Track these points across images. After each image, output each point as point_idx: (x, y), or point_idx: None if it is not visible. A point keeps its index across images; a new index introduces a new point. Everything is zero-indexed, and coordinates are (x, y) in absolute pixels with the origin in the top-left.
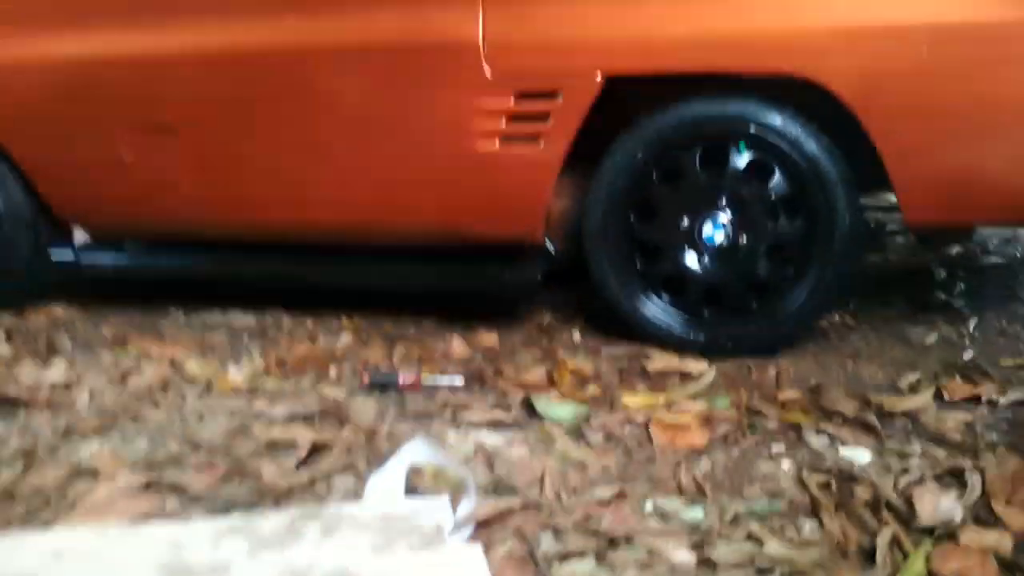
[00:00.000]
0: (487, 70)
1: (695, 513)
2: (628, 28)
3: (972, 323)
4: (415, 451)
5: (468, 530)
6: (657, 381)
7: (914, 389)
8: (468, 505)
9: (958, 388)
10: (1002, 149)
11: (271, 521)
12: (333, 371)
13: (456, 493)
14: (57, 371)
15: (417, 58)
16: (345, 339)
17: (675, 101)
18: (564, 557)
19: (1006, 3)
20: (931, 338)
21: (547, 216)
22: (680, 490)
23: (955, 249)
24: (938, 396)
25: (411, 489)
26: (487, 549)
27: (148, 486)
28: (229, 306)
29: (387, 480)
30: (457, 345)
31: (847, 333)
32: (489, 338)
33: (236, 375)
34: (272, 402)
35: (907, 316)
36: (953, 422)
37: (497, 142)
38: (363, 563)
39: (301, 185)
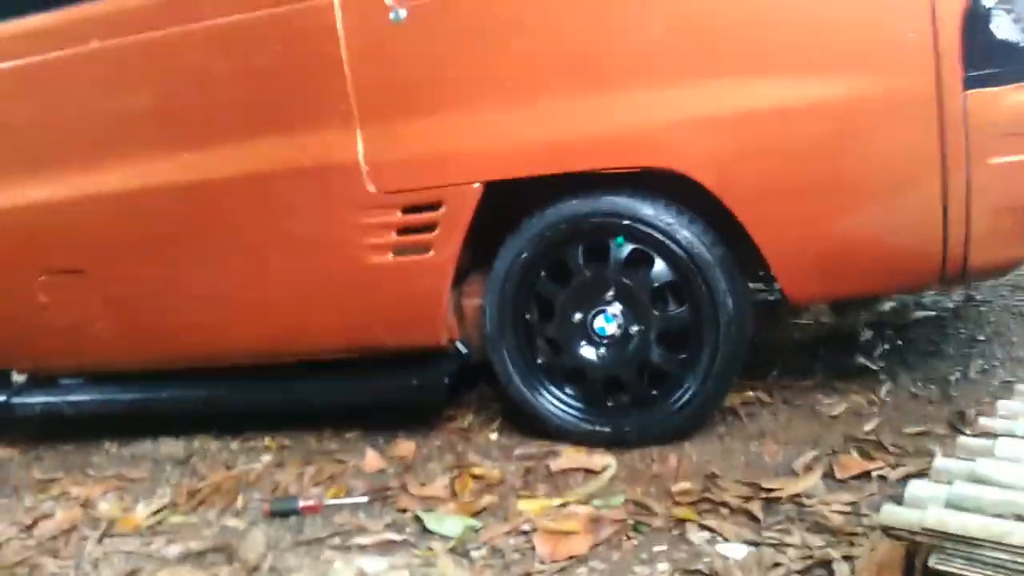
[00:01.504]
0: (371, 188)
1: None
2: (498, 137)
3: (885, 388)
4: None
5: None
6: (560, 481)
7: (809, 468)
8: None
9: (851, 464)
10: (867, 221)
11: None
12: (241, 500)
13: None
14: None
15: (304, 182)
16: (264, 460)
17: (554, 201)
18: None
19: (850, 81)
20: (839, 409)
21: (459, 317)
22: None
23: (888, 305)
24: (830, 474)
25: None
26: None
27: None
28: (161, 433)
29: None
30: (371, 458)
31: (758, 410)
32: (406, 447)
33: (143, 512)
34: (170, 540)
35: (822, 385)
36: (838, 504)
37: (389, 254)
38: None
39: (206, 314)
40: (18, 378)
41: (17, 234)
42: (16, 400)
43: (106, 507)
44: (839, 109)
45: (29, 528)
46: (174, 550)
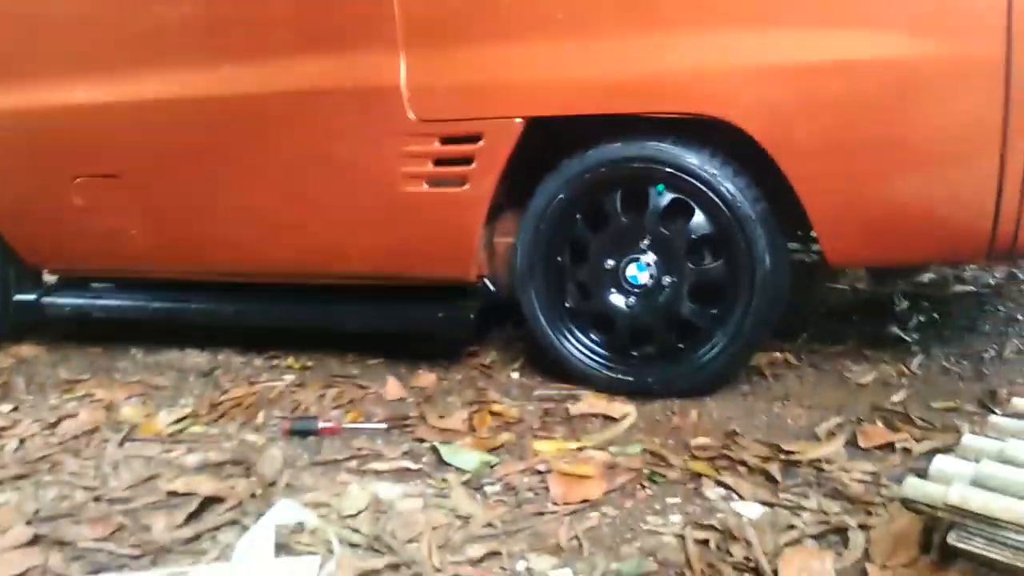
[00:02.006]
0: (411, 115)
1: (563, 573)
2: (545, 72)
3: (916, 361)
4: (283, 512)
5: None
6: (578, 425)
7: (832, 434)
8: (330, 567)
9: (875, 434)
10: (918, 186)
11: None
12: (261, 416)
13: (329, 552)
14: None
15: (345, 103)
16: (286, 379)
17: (595, 143)
18: None
19: (915, 39)
20: (868, 377)
21: (490, 254)
22: (559, 548)
23: (927, 276)
24: (853, 442)
25: (287, 548)
26: None
27: (36, 540)
28: (187, 345)
29: (256, 540)
30: (392, 387)
31: (785, 372)
32: (427, 379)
33: (165, 419)
34: (190, 449)
35: (852, 352)
36: (858, 473)
37: (424, 184)
38: None
39: (237, 228)
40: (50, 279)
41: (57, 134)
42: (47, 300)
43: (129, 412)
44: (902, 68)
45: (53, 426)
46: (193, 459)
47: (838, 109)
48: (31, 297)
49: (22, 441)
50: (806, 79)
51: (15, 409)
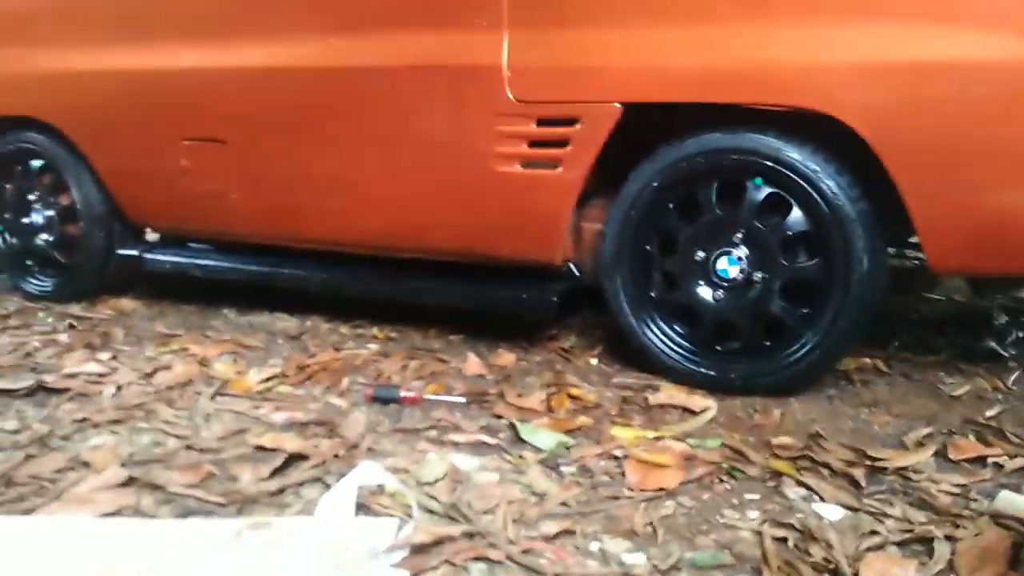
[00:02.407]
0: (510, 95)
1: (636, 558)
2: (646, 58)
3: (1013, 376)
4: (366, 473)
5: (402, 554)
6: (656, 415)
7: (921, 444)
8: (408, 530)
9: (966, 447)
10: None
11: (220, 528)
12: (346, 381)
13: (407, 516)
14: (97, 363)
15: (444, 80)
16: (370, 348)
17: (694, 132)
18: None
19: None
20: (961, 390)
21: (577, 239)
22: (633, 532)
23: None
24: (943, 454)
25: (366, 509)
26: (416, 574)
27: (130, 482)
28: (277, 309)
29: (338, 499)
30: (472, 363)
31: (874, 379)
32: (507, 358)
33: (254, 377)
34: (277, 408)
35: (945, 364)
36: (947, 484)
37: (517, 165)
38: None
39: (331, 198)
40: (151, 236)
41: (169, 96)
42: (148, 256)
43: (221, 368)
44: (1019, 72)
45: (148, 376)
46: (280, 417)
47: (951, 110)
48: (133, 253)
49: (119, 388)
50: (919, 78)
51: (114, 358)
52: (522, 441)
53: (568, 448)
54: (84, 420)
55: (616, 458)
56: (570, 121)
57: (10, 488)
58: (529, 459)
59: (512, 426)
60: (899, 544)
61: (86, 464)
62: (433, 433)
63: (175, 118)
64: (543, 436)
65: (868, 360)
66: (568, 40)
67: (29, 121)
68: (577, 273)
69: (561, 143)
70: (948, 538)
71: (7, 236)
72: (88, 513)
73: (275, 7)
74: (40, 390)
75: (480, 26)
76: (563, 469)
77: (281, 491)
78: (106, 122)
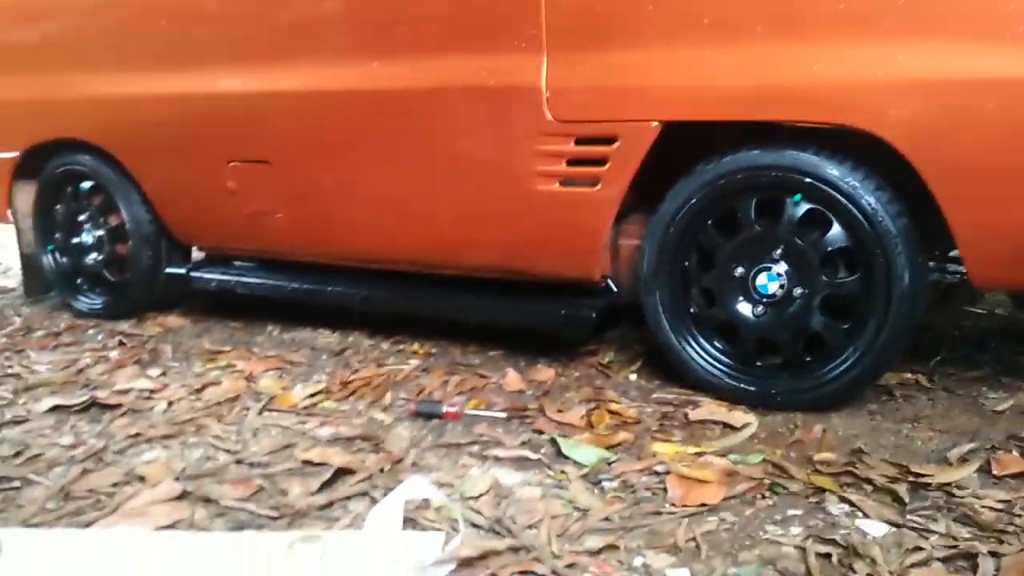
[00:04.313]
0: (549, 115)
1: (680, 573)
2: (685, 77)
3: None
4: (413, 488)
5: (449, 567)
6: (696, 430)
7: (964, 460)
8: (454, 543)
9: (1010, 463)
10: None
11: (273, 542)
12: (389, 396)
13: (453, 530)
14: (147, 379)
15: (485, 102)
16: (412, 364)
17: (733, 149)
18: None
19: None
20: (1004, 405)
21: (614, 255)
22: (676, 547)
23: None
24: (986, 469)
25: (413, 523)
26: None
27: (184, 496)
28: (319, 325)
29: (386, 513)
30: (512, 378)
31: (916, 394)
32: (546, 373)
33: (300, 393)
34: (323, 423)
35: (988, 378)
36: (991, 500)
37: (556, 184)
38: None
39: (373, 217)
40: (197, 255)
41: (217, 118)
42: (194, 274)
43: (267, 383)
44: None
45: (198, 392)
46: (326, 432)
47: (992, 128)
48: (181, 271)
49: (170, 404)
50: (960, 95)
51: (163, 374)
52: (563, 456)
53: (610, 463)
54: (137, 435)
55: (658, 474)
56: (609, 140)
57: (68, 502)
58: (571, 474)
59: (553, 441)
60: (943, 560)
61: (141, 478)
62: (475, 448)
63: (222, 140)
64: (584, 451)
65: (910, 375)
66: (606, 60)
67: (79, 144)
68: (615, 289)
69: (600, 161)
70: (992, 554)
71: (58, 256)
72: (145, 526)
73: (319, 33)
74: (93, 406)
75: (520, 48)
76: (605, 484)
77: (329, 505)
78: (155, 144)
